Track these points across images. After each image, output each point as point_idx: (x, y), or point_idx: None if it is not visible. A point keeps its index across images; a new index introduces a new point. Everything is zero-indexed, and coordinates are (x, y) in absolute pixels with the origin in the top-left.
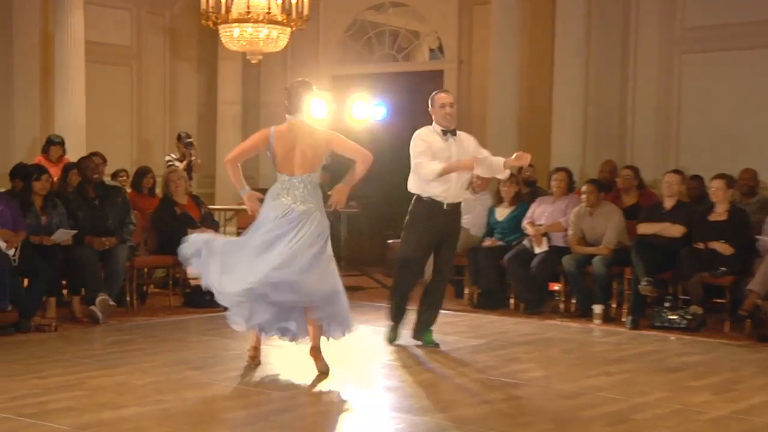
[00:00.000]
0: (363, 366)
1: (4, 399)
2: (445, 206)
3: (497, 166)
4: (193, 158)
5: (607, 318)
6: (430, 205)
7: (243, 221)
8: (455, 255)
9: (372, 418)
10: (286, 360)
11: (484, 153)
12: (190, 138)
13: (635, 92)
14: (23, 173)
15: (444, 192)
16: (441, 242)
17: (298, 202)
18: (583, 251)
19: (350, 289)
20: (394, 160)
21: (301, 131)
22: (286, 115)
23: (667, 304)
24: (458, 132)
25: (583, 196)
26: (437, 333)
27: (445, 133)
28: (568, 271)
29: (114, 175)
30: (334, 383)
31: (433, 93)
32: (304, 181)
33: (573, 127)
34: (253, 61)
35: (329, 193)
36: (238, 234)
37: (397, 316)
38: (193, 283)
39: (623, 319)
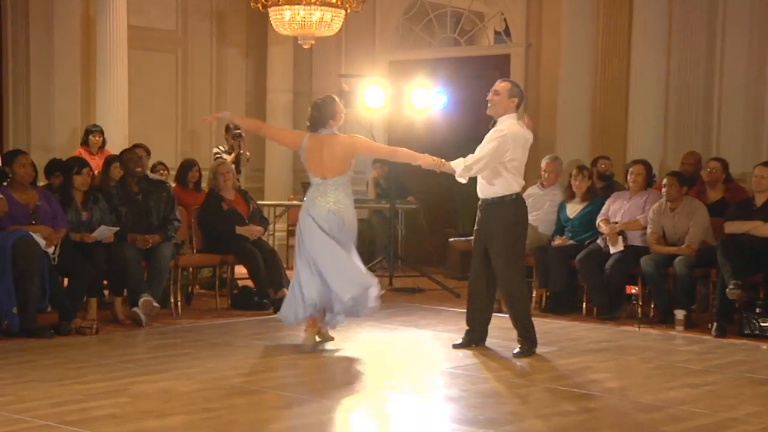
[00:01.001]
0: (423, 374)
1: (45, 405)
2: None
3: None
4: (241, 151)
5: (690, 324)
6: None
7: (294, 217)
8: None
9: (432, 430)
10: (340, 366)
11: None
12: (239, 129)
13: (722, 79)
14: (60, 168)
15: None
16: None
17: (331, 203)
18: (663, 251)
19: (408, 291)
20: (455, 152)
21: (328, 139)
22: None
23: (757, 310)
24: (499, 122)
25: (664, 190)
26: (503, 338)
27: (491, 123)
28: (647, 273)
29: (152, 169)
30: (392, 392)
31: None
32: (335, 183)
33: (652, 116)
34: (305, 47)
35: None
36: (290, 231)
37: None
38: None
39: (708, 326)
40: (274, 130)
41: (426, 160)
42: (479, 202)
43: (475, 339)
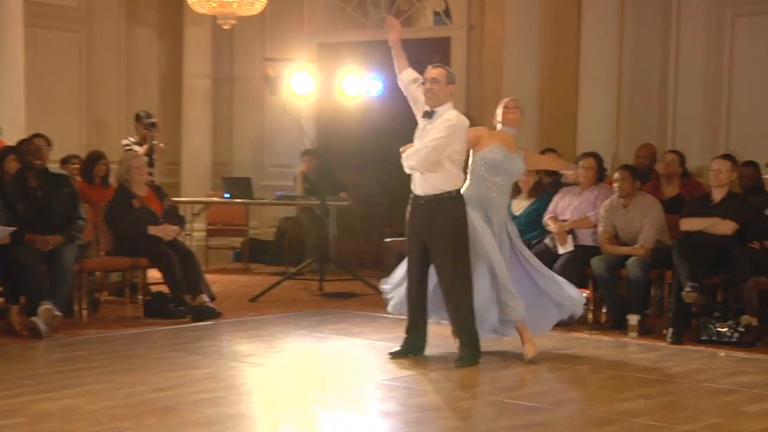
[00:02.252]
0: (356, 387)
1: None
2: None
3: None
4: (155, 142)
5: (645, 330)
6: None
7: (212, 216)
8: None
9: None
10: (265, 380)
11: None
12: (151, 118)
13: (678, 64)
14: None
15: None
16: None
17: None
18: (615, 251)
19: (340, 296)
20: (391, 143)
21: None
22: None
23: (715, 314)
24: (439, 112)
25: (616, 185)
26: (445, 347)
27: (425, 114)
28: (598, 275)
29: (64, 162)
30: (322, 407)
31: None
32: None
33: (604, 106)
34: (225, 27)
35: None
36: (209, 230)
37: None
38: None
39: (663, 332)
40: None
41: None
42: (416, 199)
43: (413, 348)
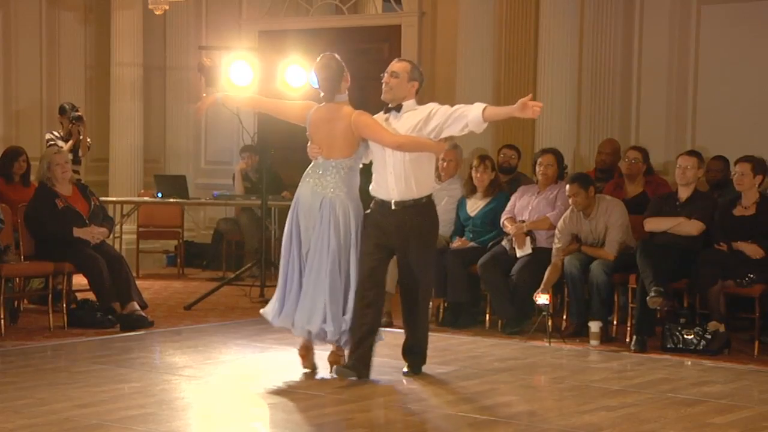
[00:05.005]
0: (299, 401)
1: None
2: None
3: (473, 118)
4: (81, 137)
5: (607, 338)
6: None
7: (144, 218)
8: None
9: None
10: (200, 394)
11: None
12: (77, 111)
13: (642, 54)
14: None
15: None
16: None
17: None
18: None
19: None
20: None
21: (336, 109)
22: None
23: (681, 321)
24: (406, 108)
25: (570, 201)
26: (388, 356)
27: (388, 110)
28: (570, 275)
29: None
30: (262, 424)
31: None
32: (336, 166)
33: (564, 98)
34: (158, 12)
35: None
36: (140, 233)
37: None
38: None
39: (627, 340)
40: (275, 103)
41: (440, 147)
42: (389, 204)
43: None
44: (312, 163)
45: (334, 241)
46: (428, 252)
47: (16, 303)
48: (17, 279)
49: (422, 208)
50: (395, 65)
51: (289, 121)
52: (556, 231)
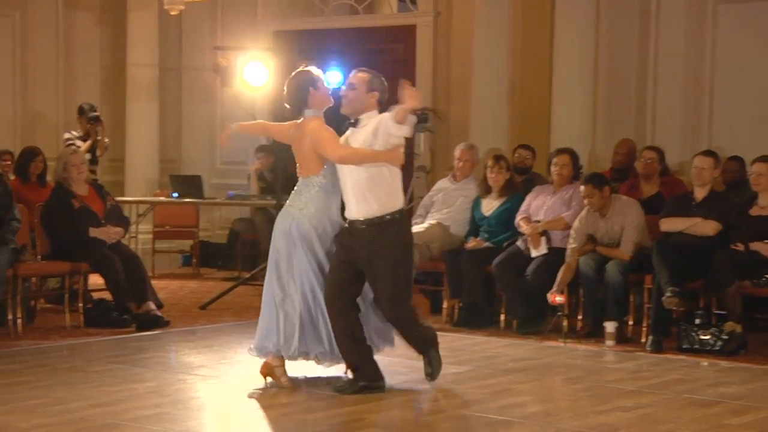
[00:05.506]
0: (315, 401)
1: None
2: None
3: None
4: (99, 137)
5: (623, 338)
6: None
7: (159, 217)
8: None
9: None
10: (215, 396)
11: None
12: (95, 111)
13: (658, 54)
14: None
15: None
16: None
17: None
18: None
19: None
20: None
21: (303, 129)
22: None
23: (697, 321)
24: (364, 121)
25: (585, 202)
26: (402, 356)
27: (350, 123)
28: (585, 275)
29: None
30: (275, 423)
31: None
32: (308, 184)
33: (579, 97)
34: (173, 13)
35: None
36: (155, 232)
37: None
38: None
39: (642, 340)
40: (278, 127)
41: (394, 156)
42: (354, 223)
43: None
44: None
45: (296, 258)
46: (397, 270)
47: (32, 302)
48: (34, 279)
49: (387, 226)
50: (352, 77)
51: (284, 142)
52: (572, 231)
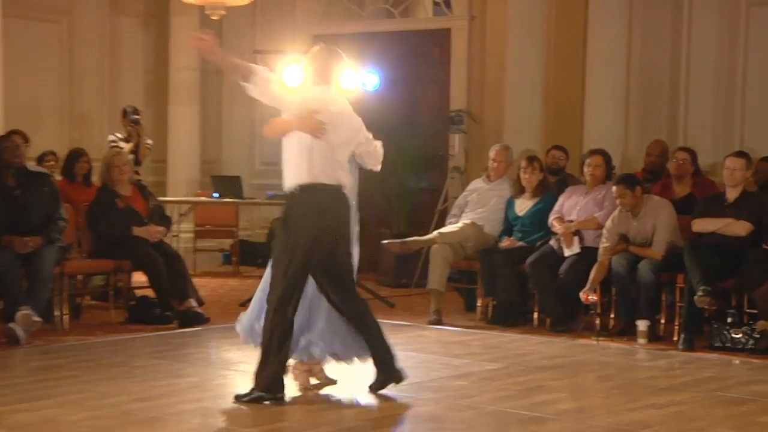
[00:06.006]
0: (351, 395)
1: None
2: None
3: None
4: (140, 139)
5: (655, 337)
6: None
7: (200, 217)
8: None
9: None
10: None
11: None
12: (137, 114)
13: (690, 55)
14: None
15: None
16: None
17: None
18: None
19: None
20: (389, 140)
21: None
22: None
23: (729, 320)
24: None
25: (618, 202)
26: (437, 352)
27: None
28: (617, 274)
29: (39, 160)
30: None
31: None
32: None
33: (612, 99)
34: (214, 17)
35: None
36: (197, 231)
37: None
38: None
39: (674, 338)
40: None
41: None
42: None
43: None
44: None
45: None
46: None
47: (78, 299)
48: (79, 276)
49: None
50: None
51: None
52: (604, 230)
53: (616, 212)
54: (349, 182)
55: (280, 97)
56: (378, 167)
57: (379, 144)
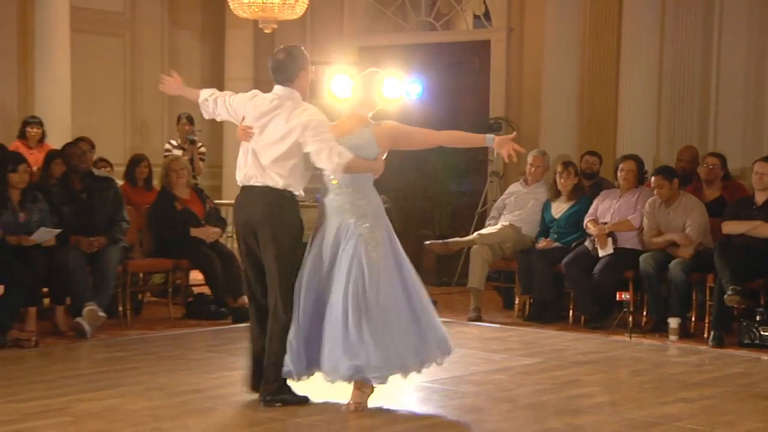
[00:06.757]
0: (396, 388)
1: None
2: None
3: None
4: (194, 154)
5: (686, 334)
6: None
7: None
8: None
9: None
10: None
11: None
12: (192, 123)
13: (720, 65)
14: (1, 159)
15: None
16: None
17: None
18: (659, 243)
19: None
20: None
21: None
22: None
23: (758, 318)
24: None
25: (655, 192)
26: (476, 348)
27: None
28: (646, 273)
29: (93, 165)
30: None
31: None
32: None
33: (644, 107)
34: (267, 31)
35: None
36: None
37: None
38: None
39: (705, 336)
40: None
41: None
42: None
43: None
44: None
45: None
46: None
47: (139, 296)
48: (141, 274)
49: None
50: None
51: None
52: (645, 213)
53: (651, 199)
54: (286, 184)
55: (228, 112)
56: (332, 170)
57: (335, 148)
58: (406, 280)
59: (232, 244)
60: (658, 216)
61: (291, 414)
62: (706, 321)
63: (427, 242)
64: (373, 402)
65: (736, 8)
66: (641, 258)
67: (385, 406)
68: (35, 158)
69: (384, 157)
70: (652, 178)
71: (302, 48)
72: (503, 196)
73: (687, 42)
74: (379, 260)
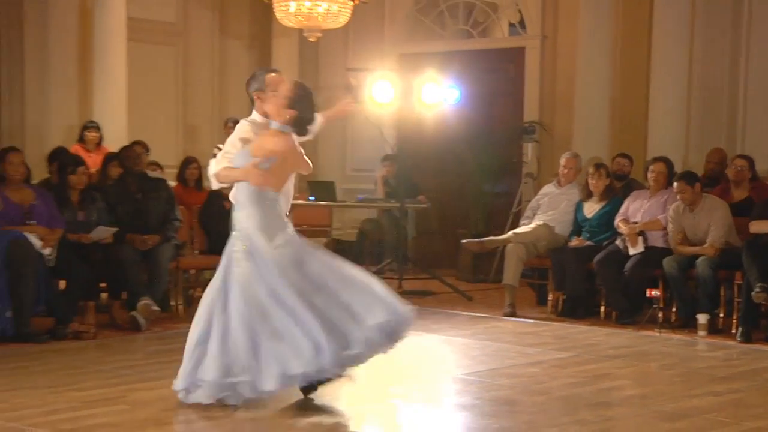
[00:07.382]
0: (433, 380)
1: (39, 413)
2: None
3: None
4: None
5: (714, 329)
6: None
7: (298, 218)
8: None
9: None
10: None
11: None
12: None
13: (748, 68)
14: (61, 161)
15: None
16: None
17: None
18: (686, 251)
19: (418, 294)
20: (468, 149)
21: None
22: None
23: None
24: None
25: (678, 197)
26: (510, 342)
27: None
28: (670, 275)
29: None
30: (401, 400)
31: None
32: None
33: (674, 111)
34: (311, 39)
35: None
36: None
37: None
38: None
39: (733, 331)
40: None
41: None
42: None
43: None
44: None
45: None
46: None
47: (191, 291)
48: (192, 270)
49: None
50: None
51: None
52: (669, 218)
53: (675, 204)
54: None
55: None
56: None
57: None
58: (276, 291)
59: None
60: (682, 220)
61: (340, 404)
62: (734, 317)
63: (464, 241)
64: (406, 394)
65: (764, 14)
66: (664, 261)
67: (419, 396)
68: (93, 161)
69: (266, 165)
70: (675, 184)
71: (255, 72)
72: (537, 197)
73: (716, 47)
74: (240, 275)
